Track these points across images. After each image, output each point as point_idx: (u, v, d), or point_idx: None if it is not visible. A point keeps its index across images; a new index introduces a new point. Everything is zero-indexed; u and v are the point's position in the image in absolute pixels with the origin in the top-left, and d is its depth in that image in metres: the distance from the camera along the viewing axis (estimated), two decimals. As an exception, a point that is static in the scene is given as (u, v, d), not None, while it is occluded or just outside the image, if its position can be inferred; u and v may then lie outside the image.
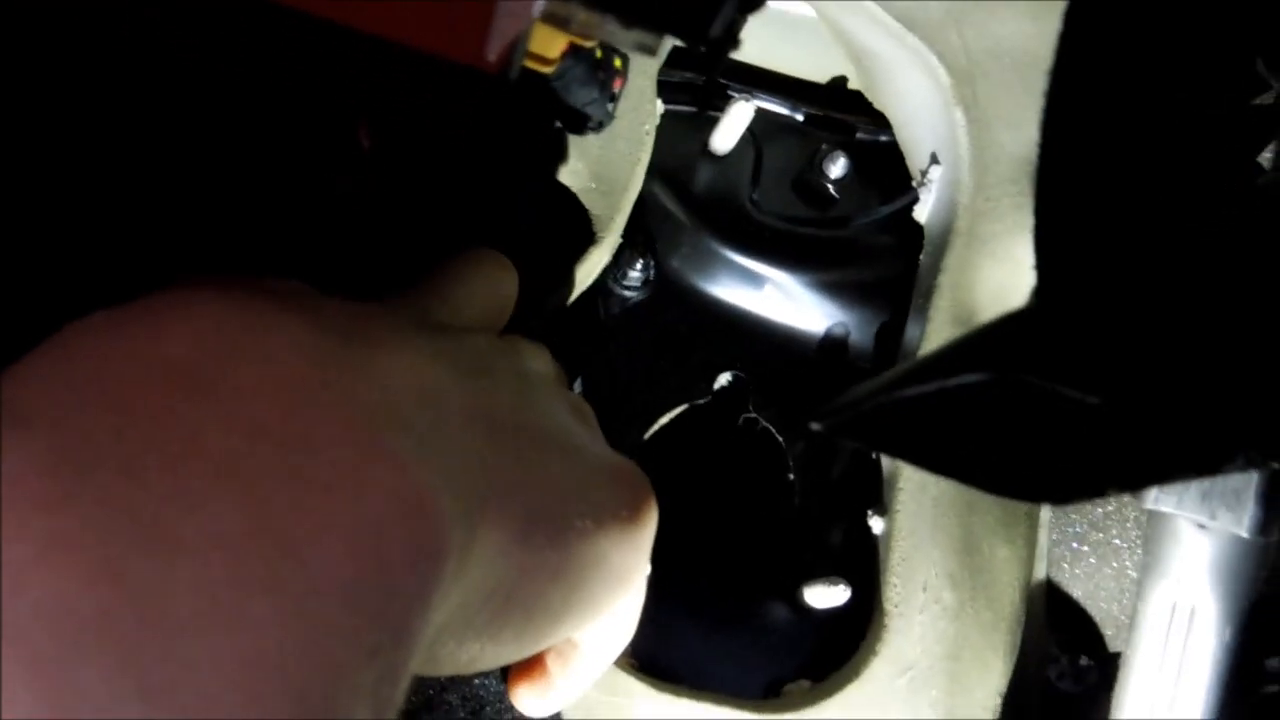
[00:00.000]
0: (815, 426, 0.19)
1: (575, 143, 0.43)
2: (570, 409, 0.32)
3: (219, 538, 0.16)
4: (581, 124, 0.41)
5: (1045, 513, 0.52)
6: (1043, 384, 0.16)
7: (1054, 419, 0.17)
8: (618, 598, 0.31)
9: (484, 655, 0.26)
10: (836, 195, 0.52)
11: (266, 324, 0.20)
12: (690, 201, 0.52)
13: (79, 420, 0.17)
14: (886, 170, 0.53)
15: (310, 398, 0.19)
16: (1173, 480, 0.17)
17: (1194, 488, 0.33)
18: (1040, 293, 0.18)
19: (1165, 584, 0.36)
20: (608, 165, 0.43)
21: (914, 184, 0.50)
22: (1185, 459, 0.17)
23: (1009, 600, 0.49)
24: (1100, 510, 0.53)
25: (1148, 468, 0.18)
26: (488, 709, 0.42)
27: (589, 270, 0.42)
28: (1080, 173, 0.19)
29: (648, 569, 0.33)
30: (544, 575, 0.26)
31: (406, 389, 0.22)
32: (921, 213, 0.50)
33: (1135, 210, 0.18)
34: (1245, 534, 0.32)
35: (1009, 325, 0.17)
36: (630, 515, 0.30)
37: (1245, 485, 0.32)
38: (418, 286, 0.30)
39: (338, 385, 0.20)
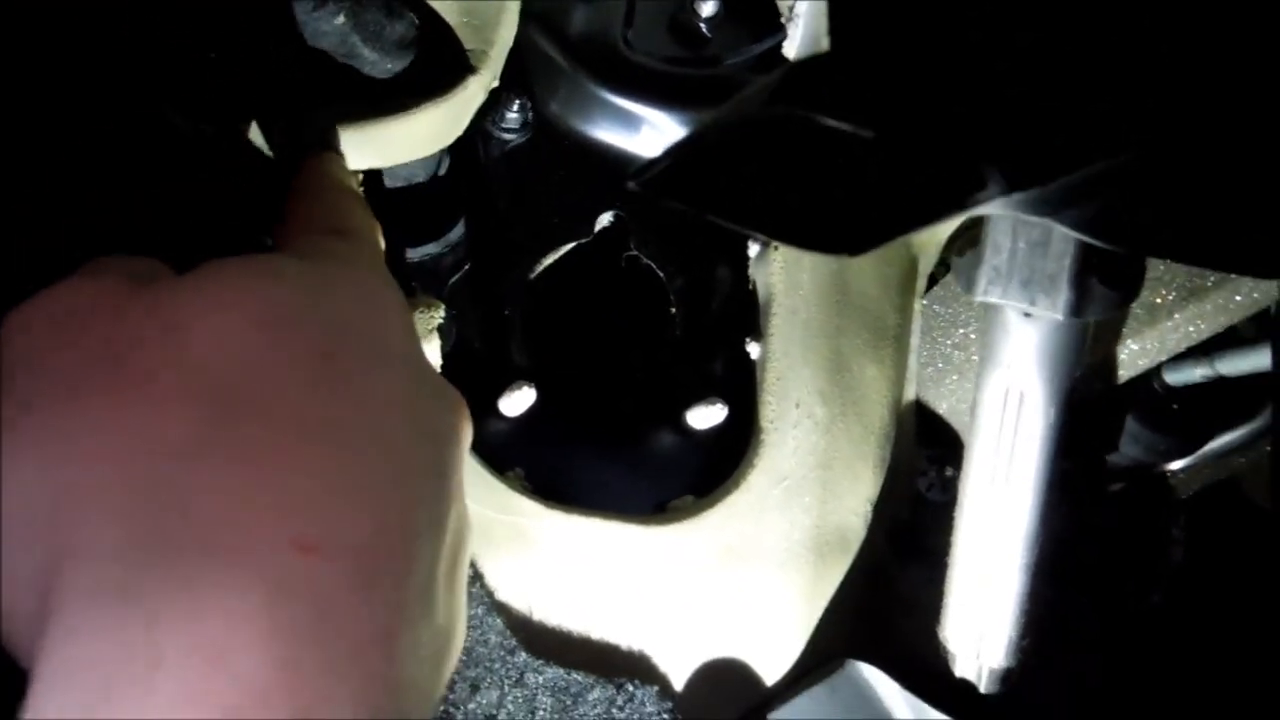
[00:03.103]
0: (632, 186, 0.21)
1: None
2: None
3: None
4: None
5: (914, 337, 0.56)
6: (813, 116, 0.18)
7: (832, 154, 0.19)
8: None
9: None
10: (709, 34, 0.53)
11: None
12: (565, 43, 0.52)
13: None
14: (758, 8, 0.53)
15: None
16: (941, 214, 0.20)
17: (1015, 277, 0.36)
18: (830, 44, 0.20)
19: (998, 372, 0.40)
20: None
21: (783, 20, 0.51)
22: (948, 188, 0.19)
23: (878, 416, 0.53)
24: (962, 332, 0.56)
25: (918, 202, 0.20)
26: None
27: (466, 104, 0.43)
28: None
29: None
30: None
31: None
32: (790, 48, 0.51)
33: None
34: (1061, 316, 0.36)
35: (797, 70, 0.19)
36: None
37: (1059, 271, 0.35)
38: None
39: None
